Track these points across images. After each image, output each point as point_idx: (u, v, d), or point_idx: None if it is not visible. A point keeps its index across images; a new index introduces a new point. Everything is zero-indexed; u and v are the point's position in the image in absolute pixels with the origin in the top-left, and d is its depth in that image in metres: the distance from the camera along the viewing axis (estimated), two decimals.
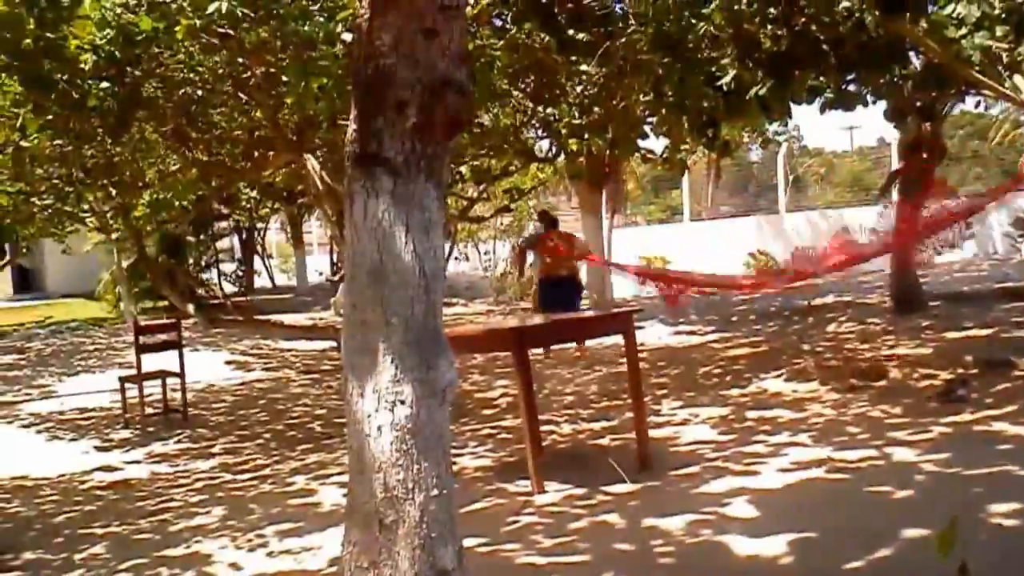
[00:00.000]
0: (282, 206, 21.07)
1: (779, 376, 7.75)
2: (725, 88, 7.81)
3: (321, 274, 24.65)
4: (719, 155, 15.55)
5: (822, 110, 9.29)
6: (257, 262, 27.37)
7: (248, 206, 19.31)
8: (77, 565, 4.89)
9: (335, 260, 23.19)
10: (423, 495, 2.72)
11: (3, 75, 8.26)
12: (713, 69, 8.02)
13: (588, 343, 10.31)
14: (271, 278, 27.72)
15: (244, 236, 26.27)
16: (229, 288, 24.54)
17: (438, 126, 2.84)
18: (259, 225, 25.88)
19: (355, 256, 2.82)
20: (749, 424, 6.26)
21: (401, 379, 2.74)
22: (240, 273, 26.32)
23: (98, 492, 6.62)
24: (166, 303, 17.09)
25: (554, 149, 13.22)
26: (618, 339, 5.75)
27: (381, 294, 2.76)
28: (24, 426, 9.38)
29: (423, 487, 2.72)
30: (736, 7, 7.45)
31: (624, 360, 5.76)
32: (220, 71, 9.93)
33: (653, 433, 5.86)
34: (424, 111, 2.78)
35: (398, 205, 2.77)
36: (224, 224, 24.02)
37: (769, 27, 7.50)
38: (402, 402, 2.74)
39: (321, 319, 17.43)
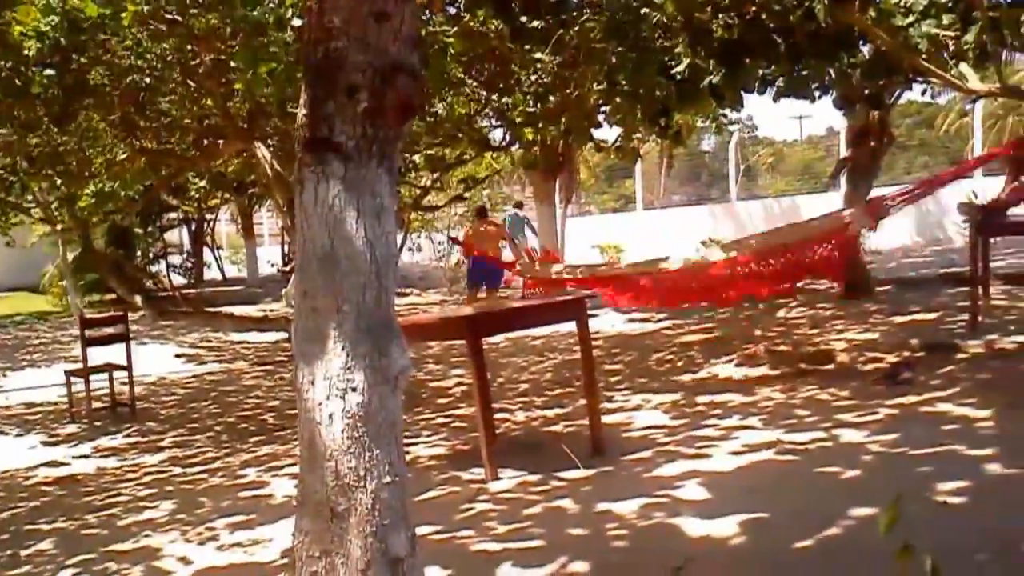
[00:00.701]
0: (232, 196, 20.81)
1: (730, 361, 7.82)
2: (678, 76, 7.86)
3: (272, 265, 24.40)
4: (672, 143, 15.64)
5: (776, 98, 9.39)
6: (207, 253, 27.02)
7: (197, 196, 19.04)
8: (23, 562, 4.79)
9: (286, 251, 22.98)
10: (375, 483, 2.69)
11: None
12: (666, 58, 8.07)
13: (543, 331, 10.35)
14: (221, 270, 27.37)
15: (193, 227, 25.92)
16: (178, 280, 24.21)
17: (390, 111, 2.80)
18: (209, 216, 25.54)
19: (306, 242, 2.78)
20: (700, 409, 6.31)
21: (353, 366, 2.71)
22: (189, 265, 25.98)
23: (44, 488, 6.49)
24: (113, 296, 16.84)
25: (508, 138, 13.22)
26: (572, 326, 5.75)
27: (332, 280, 2.72)
28: None
29: (375, 475, 2.69)
30: None
31: (578, 347, 5.78)
32: (169, 58, 9.78)
33: (606, 419, 5.89)
34: (375, 95, 2.74)
35: (349, 190, 2.73)
36: (173, 215, 23.68)
37: (720, 16, 7.56)
38: (354, 389, 2.71)
39: (272, 310, 17.25)
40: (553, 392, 7.65)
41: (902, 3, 6.89)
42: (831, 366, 7.18)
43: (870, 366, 6.95)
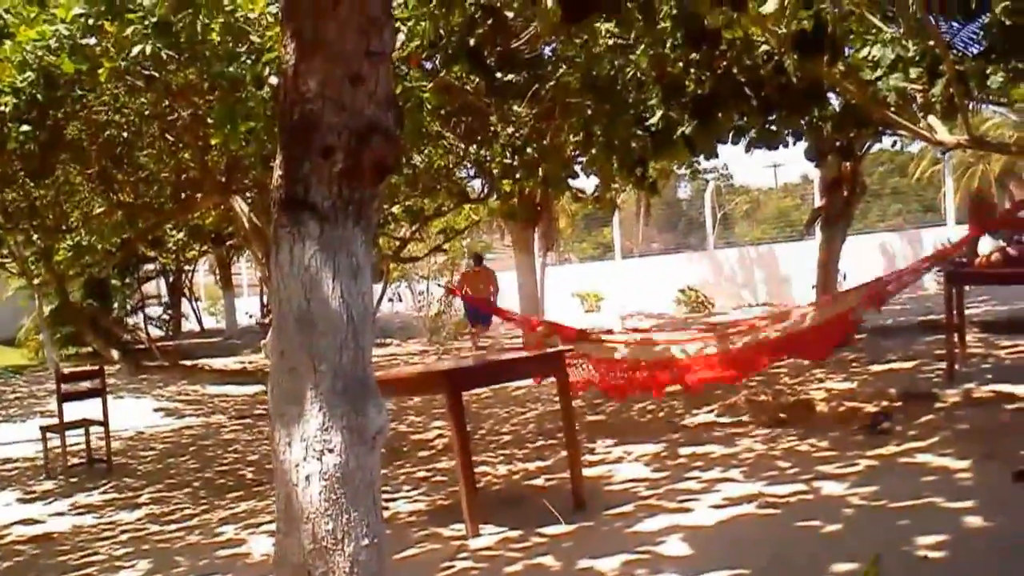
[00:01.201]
0: (210, 248, 20.77)
1: (711, 411, 7.83)
2: (653, 128, 7.97)
3: (251, 316, 24.30)
4: (648, 193, 15.83)
5: (747, 149, 9.52)
6: (185, 305, 26.88)
7: (175, 248, 18.99)
8: None
9: (265, 302, 22.89)
10: (353, 545, 2.67)
11: None
12: (640, 110, 8.20)
13: (524, 382, 10.31)
14: (199, 321, 27.22)
15: (171, 279, 25.81)
16: (156, 332, 24.04)
17: (365, 171, 2.83)
18: (187, 267, 25.45)
19: (281, 302, 2.78)
20: (682, 461, 6.30)
21: (330, 427, 2.70)
22: (167, 317, 25.82)
23: (18, 547, 6.38)
24: (90, 349, 16.69)
25: (486, 189, 13.31)
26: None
27: (309, 341, 2.72)
28: None
29: (352, 537, 2.67)
30: (660, 51, 7.62)
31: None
32: (146, 112, 9.81)
33: (588, 472, 5.87)
34: (351, 157, 2.77)
35: (325, 250, 2.74)
36: (151, 267, 23.59)
37: (692, 71, 7.69)
38: (331, 450, 2.69)
39: (251, 363, 17.15)
40: (535, 444, 7.62)
41: (870, 57, 7.05)
42: (811, 416, 7.20)
43: (850, 416, 6.97)
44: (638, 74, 8.65)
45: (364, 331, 2.81)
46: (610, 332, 8.70)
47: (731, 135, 8.66)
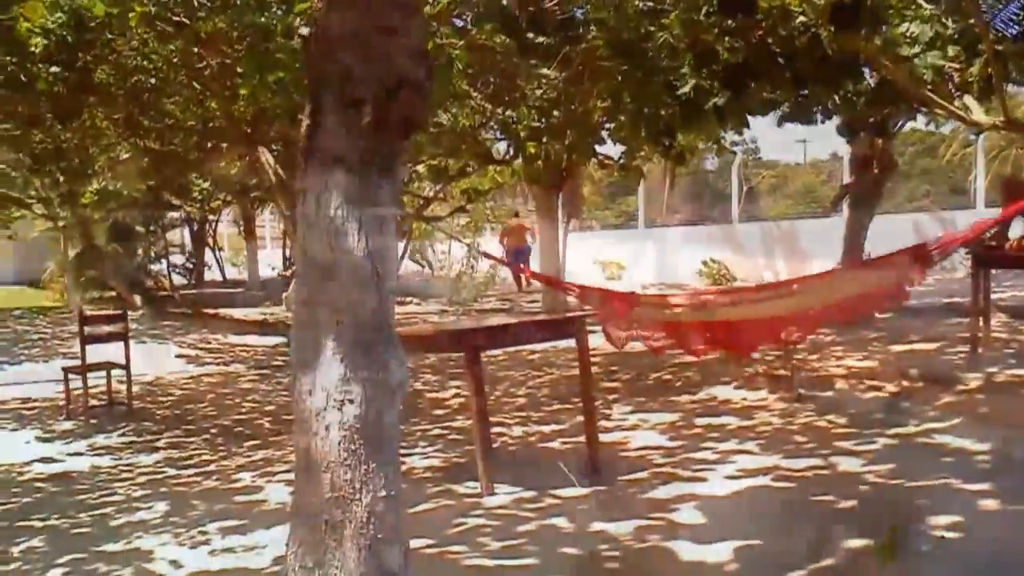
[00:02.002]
0: (235, 199, 20.83)
1: (729, 384, 7.81)
2: (683, 97, 7.87)
3: (273, 269, 24.39)
4: (675, 164, 15.70)
5: (779, 123, 9.42)
6: (208, 255, 27.00)
7: (200, 198, 19.06)
8: (14, 558, 4.77)
9: (288, 255, 22.98)
10: (370, 496, 2.69)
11: None
12: (671, 78, 8.08)
13: (540, 346, 10.32)
14: (222, 271, 27.34)
15: (195, 228, 25.91)
16: (178, 280, 24.19)
17: (394, 124, 2.80)
18: (211, 217, 25.54)
19: (306, 253, 2.78)
20: (698, 431, 6.30)
21: (351, 378, 2.71)
22: (190, 266, 25.96)
23: (38, 484, 6.47)
24: (113, 293, 16.83)
25: (511, 151, 13.23)
26: (571, 342, 5.74)
27: (332, 292, 2.72)
28: None
29: (370, 488, 2.69)
30: (694, 16, 7.50)
31: (575, 363, 5.78)
32: (174, 60, 9.80)
33: (603, 438, 5.88)
34: (380, 109, 2.75)
35: (351, 203, 2.73)
36: (175, 215, 23.68)
37: (727, 39, 7.57)
38: (351, 401, 2.70)
39: (272, 314, 17.24)
40: (550, 408, 7.63)
41: (908, 33, 6.91)
42: (830, 393, 7.17)
43: (869, 394, 6.94)
44: (670, 40, 8.48)
45: (388, 284, 2.81)
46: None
47: (761, 107, 8.57)
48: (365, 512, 2.67)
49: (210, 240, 26.97)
